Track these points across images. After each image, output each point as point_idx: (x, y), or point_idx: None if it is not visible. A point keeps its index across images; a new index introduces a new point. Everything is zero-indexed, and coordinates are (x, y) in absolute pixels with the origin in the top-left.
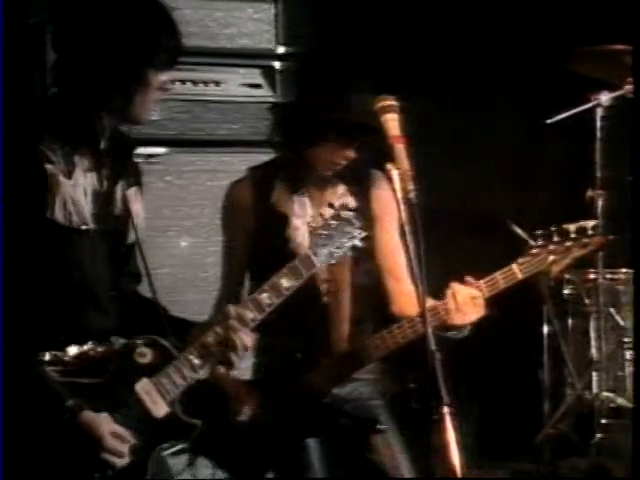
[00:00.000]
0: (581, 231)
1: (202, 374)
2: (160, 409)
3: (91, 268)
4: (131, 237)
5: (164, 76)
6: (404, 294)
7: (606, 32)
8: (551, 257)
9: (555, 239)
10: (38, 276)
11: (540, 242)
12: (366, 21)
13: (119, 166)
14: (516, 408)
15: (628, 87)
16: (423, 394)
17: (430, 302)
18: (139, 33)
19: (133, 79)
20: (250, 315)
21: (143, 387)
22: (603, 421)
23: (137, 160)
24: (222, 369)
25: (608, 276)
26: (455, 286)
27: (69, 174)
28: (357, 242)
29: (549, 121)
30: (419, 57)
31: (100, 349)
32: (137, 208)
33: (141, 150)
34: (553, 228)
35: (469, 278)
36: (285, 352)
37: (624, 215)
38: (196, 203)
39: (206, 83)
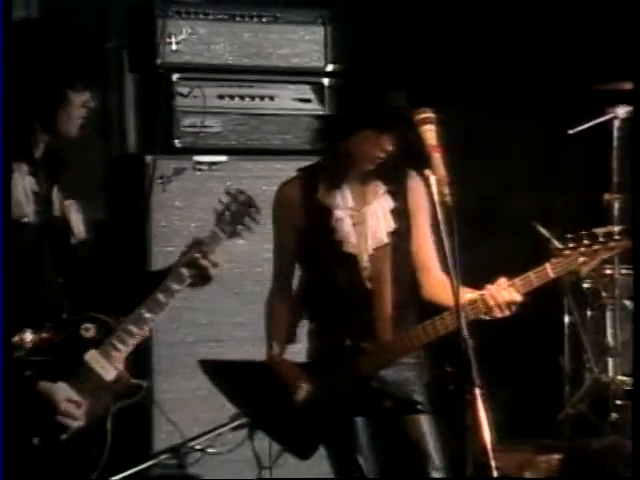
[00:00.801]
0: (608, 235)
1: (138, 341)
2: (109, 373)
3: (37, 256)
4: (76, 237)
5: (83, 96)
6: (434, 283)
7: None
8: (581, 259)
9: (585, 242)
10: None
11: (571, 245)
12: (405, 41)
13: (53, 175)
14: (540, 390)
15: None
16: (458, 377)
17: (470, 295)
18: (60, 61)
19: (56, 99)
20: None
21: (91, 356)
22: (618, 402)
23: (73, 175)
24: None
25: (623, 271)
26: (494, 288)
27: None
28: (255, 220)
29: (571, 132)
30: (454, 73)
31: (50, 330)
32: (74, 218)
33: (204, 158)
34: (583, 232)
35: (503, 278)
36: (335, 338)
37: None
38: None
39: (262, 98)
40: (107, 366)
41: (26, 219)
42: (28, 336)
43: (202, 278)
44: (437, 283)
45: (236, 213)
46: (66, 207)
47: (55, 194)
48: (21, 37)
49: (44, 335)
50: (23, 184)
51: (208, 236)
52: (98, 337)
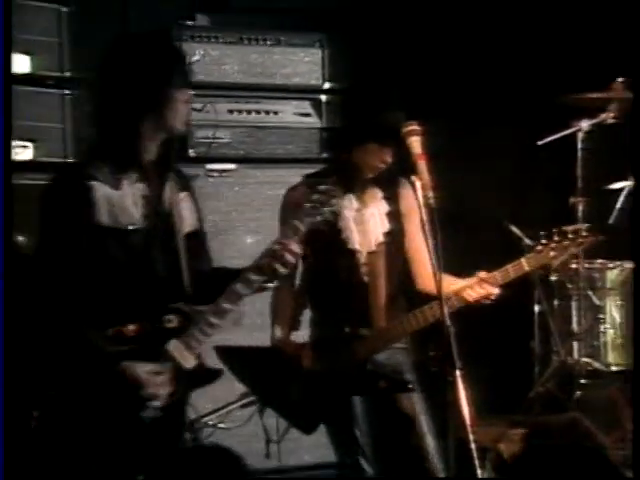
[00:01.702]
0: (576, 232)
1: (218, 330)
2: (189, 362)
3: (143, 258)
4: (183, 231)
5: (184, 94)
6: (427, 276)
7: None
8: (552, 253)
9: (555, 239)
10: (89, 268)
11: (543, 241)
12: (394, 62)
13: (164, 175)
14: (512, 371)
15: (603, 116)
16: (440, 360)
17: (455, 286)
18: (161, 65)
19: (161, 98)
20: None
21: (173, 346)
22: (582, 381)
23: (184, 172)
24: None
25: (587, 265)
26: (474, 283)
27: (117, 186)
28: (335, 209)
29: (540, 142)
30: (438, 90)
31: (136, 323)
32: (183, 207)
33: (216, 166)
34: (554, 230)
35: (483, 272)
36: (335, 325)
37: (600, 217)
38: (259, 208)
39: (267, 112)
40: (187, 355)
41: (132, 226)
42: (130, 328)
43: (274, 273)
44: (429, 275)
45: (318, 203)
46: (177, 200)
47: (167, 192)
48: (124, 48)
49: (129, 327)
50: (132, 192)
51: (289, 227)
52: (180, 327)
